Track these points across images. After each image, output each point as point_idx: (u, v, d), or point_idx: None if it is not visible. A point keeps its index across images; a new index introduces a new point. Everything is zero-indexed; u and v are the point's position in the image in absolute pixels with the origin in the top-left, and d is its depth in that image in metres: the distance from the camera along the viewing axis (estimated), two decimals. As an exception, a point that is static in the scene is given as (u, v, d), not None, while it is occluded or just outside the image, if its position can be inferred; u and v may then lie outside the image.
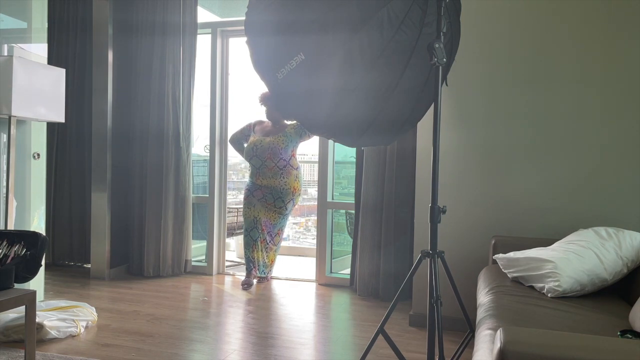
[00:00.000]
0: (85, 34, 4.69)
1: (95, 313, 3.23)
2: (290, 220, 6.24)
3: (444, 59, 1.96)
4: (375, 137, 2.43)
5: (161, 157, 4.42)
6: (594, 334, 1.80)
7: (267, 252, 4.33)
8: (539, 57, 3.00)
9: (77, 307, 3.16)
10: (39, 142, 3.48)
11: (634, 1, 2.85)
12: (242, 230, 4.58)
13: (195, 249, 4.83)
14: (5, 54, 3.44)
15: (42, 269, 3.03)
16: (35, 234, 2.43)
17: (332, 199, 4.34)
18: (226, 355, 2.76)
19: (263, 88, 4.13)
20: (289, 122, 4.29)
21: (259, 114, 4.42)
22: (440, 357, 2.07)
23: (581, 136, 2.94)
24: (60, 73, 3.16)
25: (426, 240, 2.66)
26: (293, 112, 2.37)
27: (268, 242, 4.32)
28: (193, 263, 4.67)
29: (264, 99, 4.25)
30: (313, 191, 6.71)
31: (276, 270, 4.60)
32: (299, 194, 4.33)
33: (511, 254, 2.52)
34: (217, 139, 4.62)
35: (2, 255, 2.34)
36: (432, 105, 2.16)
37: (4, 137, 3.23)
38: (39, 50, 3.54)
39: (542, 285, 2.30)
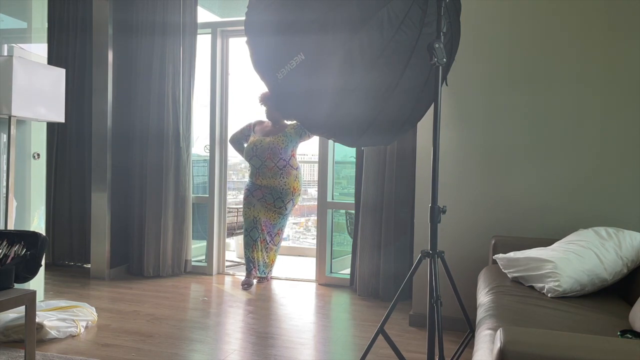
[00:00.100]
0: (85, 34, 4.69)
1: (95, 313, 3.23)
2: (290, 220, 6.24)
3: (444, 59, 1.96)
4: (375, 137, 2.43)
5: (161, 157, 4.42)
6: (594, 334, 1.80)
7: (267, 252, 4.33)
8: (539, 57, 3.00)
9: (77, 307, 3.16)
10: (39, 142, 3.48)
11: (634, 1, 2.85)
12: (242, 230, 4.58)
13: (195, 249, 4.84)
14: (5, 54, 3.44)
15: (42, 269, 3.03)
16: (35, 234, 2.43)
17: (332, 199, 4.34)
18: (226, 355, 2.76)
19: (263, 88, 4.13)
20: (289, 122, 4.29)
21: (259, 114, 4.42)
22: (440, 357, 2.07)
23: (581, 136, 2.94)
24: (60, 73, 3.16)
25: (426, 240, 2.66)
26: (293, 112, 2.37)
27: (268, 242, 4.32)
28: (193, 263, 4.67)
29: (264, 99, 4.25)
30: (313, 191, 6.71)
31: (276, 270, 4.60)
32: (299, 194, 4.33)
33: (511, 254, 2.52)
34: (217, 139, 4.62)
35: (2, 255, 2.34)
36: (432, 105, 2.16)
37: (4, 137, 3.23)
38: (39, 50, 3.54)
39: (542, 285, 2.30)
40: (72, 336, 2.97)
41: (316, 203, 4.37)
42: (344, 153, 4.58)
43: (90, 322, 3.15)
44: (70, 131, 4.75)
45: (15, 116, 2.93)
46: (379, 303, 3.78)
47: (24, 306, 2.27)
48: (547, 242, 2.68)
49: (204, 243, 4.85)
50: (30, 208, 3.41)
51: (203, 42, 4.60)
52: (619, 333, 1.77)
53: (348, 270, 4.34)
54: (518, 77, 3.04)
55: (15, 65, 2.82)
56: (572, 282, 2.25)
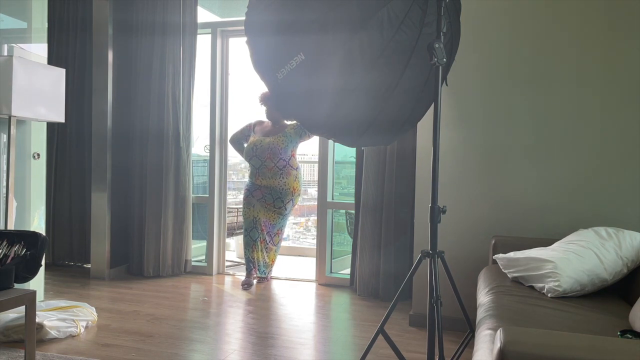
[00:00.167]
0: (85, 34, 4.69)
1: (95, 313, 3.23)
2: (290, 220, 6.24)
3: (444, 59, 1.96)
4: (375, 137, 2.43)
5: (161, 157, 4.42)
6: (594, 334, 1.80)
7: (267, 252, 4.33)
8: (539, 57, 3.00)
9: (77, 307, 3.16)
10: (39, 142, 3.48)
11: (634, 1, 2.85)
12: (242, 230, 4.58)
13: (195, 249, 4.83)
14: (5, 54, 3.44)
15: (42, 269, 3.03)
16: (35, 234, 2.43)
17: (332, 199, 4.34)
18: (226, 355, 2.76)
19: (263, 88, 4.13)
20: (288, 122, 4.29)
21: (259, 114, 4.43)
22: (440, 357, 2.07)
23: (581, 136, 2.94)
24: (60, 73, 3.16)
25: (426, 240, 2.66)
26: (293, 112, 2.37)
27: (268, 242, 4.32)
28: (193, 263, 4.67)
29: (264, 99, 4.25)
30: (313, 191, 6.71)
31: (276, 270, 4.60)
32: (299, 194, 4.33)
33: (511, 254, 2.52)
34: (217, 139, 4.62)
35: (2, 255, 2.34)
36: (432, 105, 2.16)
37: (4, 137, 3.23)
38: (39, 50, 3.54)
39: (542, 285, 2.30)
40: (72, 336, 2.97)
41: (316, 203, 4.37)
42: (344, 153, 4.58)
43: (90, 322, 3.15)
44: (70, 131, 4.75)
45: (15, 116, 2.93)
46: (379, 303, 3.78)
47: (24, 306, 2.28)
48: (547, 242, 2.68)
49: (204, 243, 4.85)
50: (30, 208, 3.41)
51: (203, 42, 4.60)
52: (619, 333, 1.77)
53: (348, 270, 4.34)
54: (518, 77, 3.04)
55: (15, 65, 2.82)
56: (572, 282, 2.25)
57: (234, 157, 5.15)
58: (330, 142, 4.27)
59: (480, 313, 2.10)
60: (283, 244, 4.83)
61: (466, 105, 3.14)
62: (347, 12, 2.04)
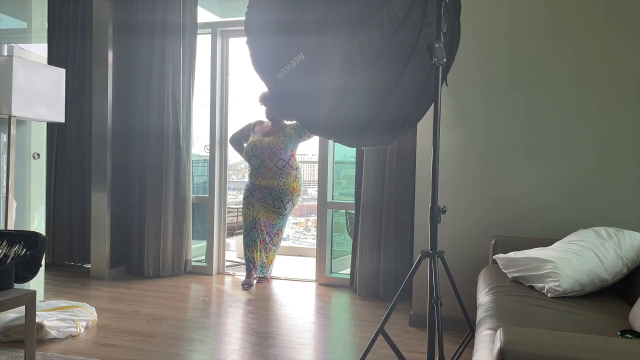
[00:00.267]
0: (85, 34, 4.69)
1: (95, 313, 3.23)
2: (290, 220, 6.24)
3: (444, 59, 1.96)
4: (375, 137, 2.43)
5: (161, 157, 4.42)
6: (594, 334, 1.80)
7: (266, 252, 4.33)
8: (539, 57, 3.00)
9: (77, 307, 3.16)
10: (39, 142, 3.48)
11: (634, 1, 2.85)
12: (242, 231, 4.58)
13: (195, 249, 4.84)
14: (5, 54, 3.44)
15: (42, 269, 3.03)
16: (35, 234, 2.43)
17: (332, 199, 4.34)
18: (226, 355, 2.76)
19: (263, 88, 4.13)
20: (288, 122, 4.29)
21: (259, 114, 4.43)
22: (440, 357, 2.07)
23: (581, 136, 2.94)
24: (60, 73, 3.16)
25: (426, 240, 2.66)
26: (293, 112, 2.37)
27: (267, 242, 4.32)
28: (193, 263, 4.67)
29: (264, 99, 4.25)
30: (313, 191, 6.71)
31: (276, 270, 4.60)
32: (298, 194, 4.33)
33: (511, 254, 2.52)
34: (217, 139, 4.62)
35: (2, 255, 2.34)
36: (432, 105, 2.16)
37: (4, 137, 3.23)
38: (39, 50, 3.54)
39: (542, 285, 2.30)
40: (72, 336, 2.97)
41: (316, 203, 4.37)
42: (344, 153, 4.58)
43: (90, 322, 3.15)
44: (70, 131, 4.75)
45: (15, 116, 2.93)
46: (379, 303, 3.78)
47: (24, 306, 2.27)
48: (547, 242, 2.68)
49: (204, 243, 4.85)
50: (30, 208, 3.41)
51: (203, 42, 4.60)
52: (619, 333, 1.77)
53: (348, 270, 4.34)
54: (518, 77, 3.04)
55: (15, 65, 2.82)
56: (572, 282, 2.25)
57: (234, 157, 5.15)
58: (330, 142, 4.27)
59: (480, 313, 2.10)
60: (283, 244, 4.83)
61: (466, 105, 3.14)
62: (347, 12, 2.04)
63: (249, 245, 4.27)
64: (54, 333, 2.89)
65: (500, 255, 2.56)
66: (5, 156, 3.09)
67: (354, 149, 4.16)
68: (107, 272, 4.38)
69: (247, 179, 4.40)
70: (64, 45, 4.76)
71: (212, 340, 2.98)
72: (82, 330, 3.05)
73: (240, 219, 4.80)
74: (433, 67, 2.00)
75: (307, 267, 4.98)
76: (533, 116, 3.02)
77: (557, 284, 2.23)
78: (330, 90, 2.14)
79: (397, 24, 2.04)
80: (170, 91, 4.40)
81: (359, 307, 3.71)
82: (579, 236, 2.52)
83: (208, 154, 4.68)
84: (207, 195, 4.67)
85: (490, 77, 3.10)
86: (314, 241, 4.62)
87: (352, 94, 2.16)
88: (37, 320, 2.80)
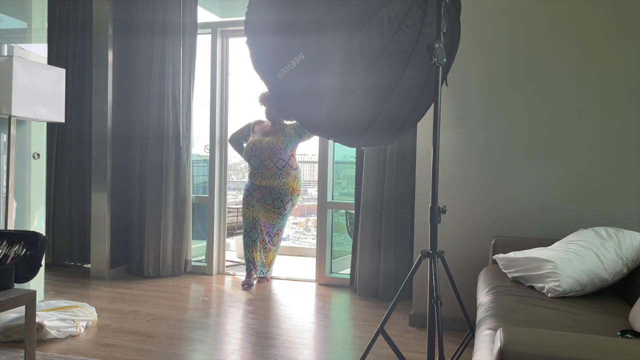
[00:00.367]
0: (85, 34, 4.69)
1: (95, 313, 3.23)
2: (290, 220, 6.24)
3: (444, 59, 1.96)
4: (375, 137, 2.43)
5: (161, 157, 4.42)
6: (594, 334, 1.80)
7: (265, 252, 4.33)
8: (539, 57, 3.00)
9: (77, 307, 3.16)
10: (39, 142, 3.48)
11: (634, 2, 2.85)
12: (242, 231, 4.58)
13: (195, 249, 4.84)
14: (5, 54, 3.44)
15: (42, 269, 3.03)
16: (35, 234, 2.43)
17: (332, 199, 4.34)
18: (226, 355, 2.76)
19: (263, 88, 4.13)
20: (288, 122, 4.29)
21: (259, 114, 4.42)
22: (440, 357, 2.07)
23: (581, 136, 2.94)
24: (60, 73, 3.16)
25: (426, 240, 2.66)
26: (293, 112, 2.37)
27: (267, 242, 4.32)
28: (193, 263, 4.67)
29: (264, 99, 4.25)
30: (313, 191, 6.71)
31: (276, 270, 4.60)
32: (298, 195, 4.33)
33: (511, 254, 2.52)
34: (217, 139, 4.62)
35: (2, 255, 2.34)
36: (432, 105, 2.16)
37: (4, 137, 3.23)
38: (39, 50, 3.54)
39: (542, 285, 2.30)
40: (72, 336, 2.97)
41: (316, 203, 4.37)
42: (344, 153, 4.58)
43: (90, 322, 3.15)
44: (70, 131, 4.75)
45: (15, 116, 2.93)
46: (379, 303, 3.78)
47: (24, 306, 2.27)
48: (547, 242, 2.68)
49: (204, 243, 4.85)
50: (30, 208, 3.41)
51: (203, 42, 4.60)
52: (619, 333, 1.77)
53: (348, 270, 4.34)
54: (518, 77, 3.04)
55: (15, 65, 2.82)
56: (572, 282, 2.25)
57: (234, 157, 5.16)
58: (330, 142, 4.27)
59: (480, 313, 2.10)
60: (283, 243, 4.83)
61: (466, 105, 3.14)
62: (347, 12, 2.04)
63: (249, 246, 4.27)
64: (54, 333, 2.89)
65: (500, 255, 2.56)
66: (5, 156, 3.09)
67: (354, 149, 4.16)
68: (107, 272, 4.38)
69: (247, 179, 4.40)
70: (64, 45, 4.76)
71: (212, 340, 2.98)
72: (82, 330, 3.05)
73: (240, 219, 4.80)
74: (433, 67, 2.00)
75: (307, 267, 4.98)
76: (533, 116, 3.02)
77: (557, 284, 2.23)
78: (330, 90, 2.14)
79: (397, 24, 2.04)
80: (170, 91, 4.40)
81: (359, 307, 3.71)
82: (579, 236, 2.52)
83: (208, 154, 4.68)
84: (207, 195, 4.67)
85: (490, 77, 3.10)
86: (314, 241, 4.62)
87: (352, 94, 2.16)
88: (37, 320, 2.80)
